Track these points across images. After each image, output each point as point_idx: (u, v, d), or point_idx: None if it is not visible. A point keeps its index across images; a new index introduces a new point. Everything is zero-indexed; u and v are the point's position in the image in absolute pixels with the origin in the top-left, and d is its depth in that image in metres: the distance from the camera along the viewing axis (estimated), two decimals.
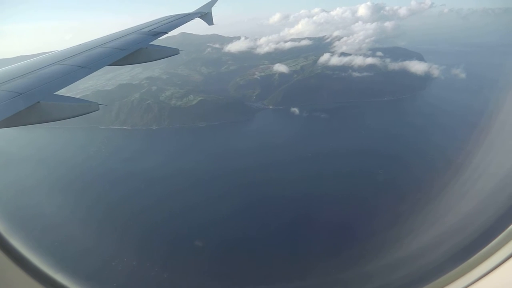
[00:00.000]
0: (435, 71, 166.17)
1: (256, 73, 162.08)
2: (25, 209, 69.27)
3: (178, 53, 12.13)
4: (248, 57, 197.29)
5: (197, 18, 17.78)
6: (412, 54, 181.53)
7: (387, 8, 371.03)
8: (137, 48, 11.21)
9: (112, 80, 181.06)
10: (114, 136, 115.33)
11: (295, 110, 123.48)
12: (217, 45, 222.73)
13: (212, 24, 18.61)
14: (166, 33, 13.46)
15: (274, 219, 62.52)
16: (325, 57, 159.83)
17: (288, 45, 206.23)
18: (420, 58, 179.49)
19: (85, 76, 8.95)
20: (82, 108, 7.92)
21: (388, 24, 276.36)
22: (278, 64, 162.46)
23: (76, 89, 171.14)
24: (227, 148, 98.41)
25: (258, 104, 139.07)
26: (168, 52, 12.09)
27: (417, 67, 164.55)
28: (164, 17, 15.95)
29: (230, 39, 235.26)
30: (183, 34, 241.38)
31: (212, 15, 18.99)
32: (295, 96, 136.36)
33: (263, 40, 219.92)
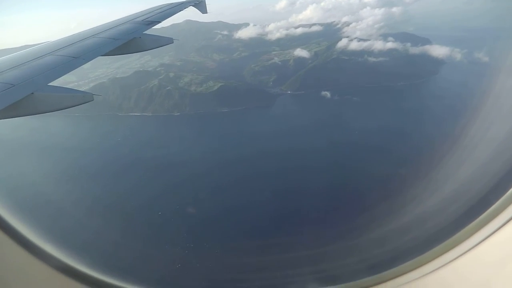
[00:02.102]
0: (445, 56, 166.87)
1: (274, 58, 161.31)
2: (70, 196, 69.98)
3: (172, 42, 11.85)
4: (259, 44, 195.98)
5: (191, 6, 17.45)
6: (420, 40, 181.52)
7: None
8: (130, 37, 11.04)
9: (122, 68, 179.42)
10: (137, 123, 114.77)
11: (326, 93, 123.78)
12: (225, 32, 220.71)
13: (206, 12, 18.22)
14: (159, 22, 13.32)
15: (306, 207, 61.73)
16: (340, 43, 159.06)
17: (299, 31, 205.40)
18: (428, 43, 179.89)
19: (79, 67, 8.86)
20: (76, 98, 7.85)
21: (396, 10, 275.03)
22: (299, 49, 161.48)
23: (87, 77, 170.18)
24: (255, 132, 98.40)
25: (276, 89, 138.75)
26: (162, 42, 11.81)
27: (430, 52, 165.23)
28: (158, 6, 15.79)
29: (237, 26, 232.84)
30: (188, 21, 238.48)
31: (206, 3, 18.57)
32: (313, 81, 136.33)
33: (272, 26, 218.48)
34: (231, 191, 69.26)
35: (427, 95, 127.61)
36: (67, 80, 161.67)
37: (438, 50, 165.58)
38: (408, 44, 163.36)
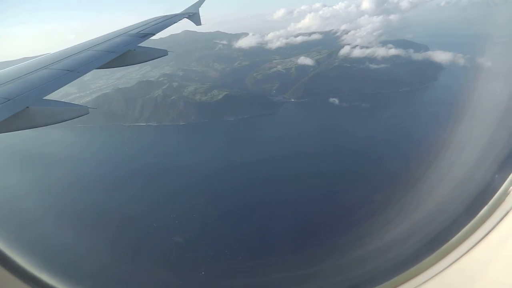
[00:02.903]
0: (445, 62, 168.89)
1: (277, 66, 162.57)
2: (83, 206, 69.55)
3: (167, 54, 12.01)
4: (260, 53, 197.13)
5: (185, 18, 17.84)
6: (419, 47, 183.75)
7: (389, 1, 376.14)
8: (125, 50, 11.21)
9: (122, 79, 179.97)
10: (144, 133, 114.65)
11: (335, 100, 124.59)
12: (225, 42, 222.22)
13: (200, 24, 18.55)
14: (154, 34, 13.58)
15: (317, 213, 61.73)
16: (341, 50, 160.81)
17: (299, 39, 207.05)
18: (427, 50, 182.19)
19: (74, 80, 9.02)
20: (72, 112, 7.93)
21: (393, 17, 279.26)
22: (302, 57, 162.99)
23: (88, 89, 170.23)
24: (263, 140, 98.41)
25: (279, 98, 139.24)
26: (156, 54, 11.94)
27: (430, 58, 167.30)
28: (152, 18, 16.13)
29: (236, 36, 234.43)
30: (186, 32, 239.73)
31: (200, 15, 19.00)
32: (316, 88, 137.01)
33: (271, 35, 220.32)
34: (241, 198, 69.18)
35: (430, 101, 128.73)
36: (68, 92, 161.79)
37: (438, 56, 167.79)
38: (410, 51, 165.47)
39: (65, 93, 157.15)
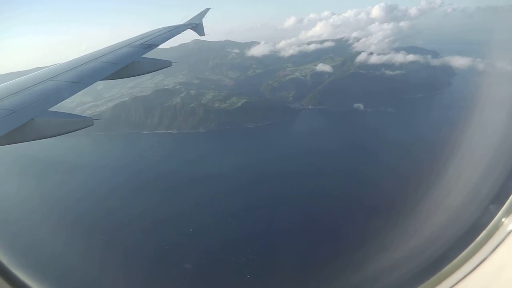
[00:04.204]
0: (458, 68, 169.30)
1: (295, 73, 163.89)
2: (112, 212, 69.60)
3: (171, 65, 12.07)
4: (273, 61, 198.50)
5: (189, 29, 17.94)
6: (429, 53, 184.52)
7: (399, 8, 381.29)
8: (129, 61, 11.25)
9: (136, 88, 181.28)
10: (164, 140, 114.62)
11: (359, 105, 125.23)
12: (236, 50, 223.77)
13: (203, 35, 18.75)
14: (158, 45, 13.64)
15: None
16: (358, 57, 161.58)
17: (312, 47, 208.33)
18: (437, 56, 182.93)
19: (78, 92, 9.07)
20: (76, 123, 7.94)
21: (403, 24, 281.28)
22: (321, 64, 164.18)
23: (102, 98, 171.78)
24: (285, 146, 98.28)
25: (296, 105, 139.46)
26: (161, 65, 12.03)
27: (442, 64, 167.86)
28: (156, 29, 16.23)
29: (247, 45, 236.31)
30: (196, 41, 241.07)
31: (203, 25, 19.23)
32: (332, 95, 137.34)
33: (282, 43, 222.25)
34: (266, 206, 68.83)
35: (447, 105, 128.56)
36: (83, 101, 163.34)
37: (451, 62, 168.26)
38: (428, 57, 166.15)
39: (79, 102, 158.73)
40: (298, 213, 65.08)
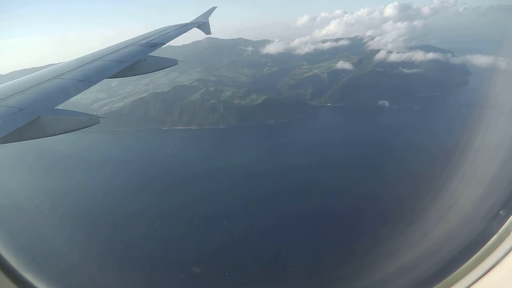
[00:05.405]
0: (474, 67, 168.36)
1: (307, 72, 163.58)
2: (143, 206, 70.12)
3: (177, 64, 12.11)
4: (288, 58, 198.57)
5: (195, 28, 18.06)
6: (444, 52, 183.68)
7: (412, 7, 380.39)
8: (135, 60, 11.29)
9: (150, 85, 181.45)
10: (185, 136, 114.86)
11: (385, 102, 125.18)
12: (250, 48, 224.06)
13: (210, 33, 18.77)
14: (164, 44, 13.67)
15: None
16: (376, 55, 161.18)
17: (327, 45, 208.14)
18: (452, 55, 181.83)
19: (85, 90, 9.09)
20: (83, 121, 7.94)
21: (417, 23, 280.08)
22: (341, 61, 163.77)
23: (117, 94, 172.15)
24: (308, 143, 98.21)
25: (314, 102, 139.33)
26: (167, 63, 12.06)
27: (459, 63, 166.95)
28: (162, 28, 16.25)
29: (260, 43, 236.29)
30: (209, 39, 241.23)
31: (210, 24, 19.24)
32: (351, 93, 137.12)
33: (296, 41, 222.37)
34: (291, 202, 68.86)
35: (465, 105, 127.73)
36: (98, 97, 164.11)
37: (468, 61, 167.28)
38: (448, 55, 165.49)
39: (95, 99, 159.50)
40: (318, 209, 64.90)
